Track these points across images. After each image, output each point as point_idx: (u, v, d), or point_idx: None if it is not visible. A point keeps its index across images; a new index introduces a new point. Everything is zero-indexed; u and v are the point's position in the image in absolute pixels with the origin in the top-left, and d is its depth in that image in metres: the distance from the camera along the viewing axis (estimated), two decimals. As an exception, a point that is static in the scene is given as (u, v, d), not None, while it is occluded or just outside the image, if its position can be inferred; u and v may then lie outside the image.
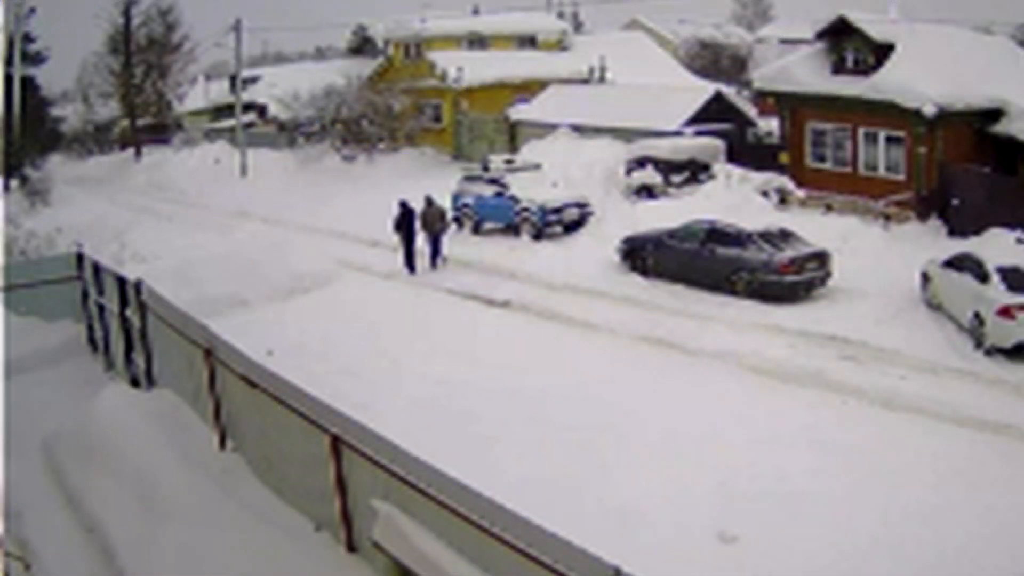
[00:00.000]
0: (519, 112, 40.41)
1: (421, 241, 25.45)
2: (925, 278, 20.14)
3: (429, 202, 25.66)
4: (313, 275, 24.17)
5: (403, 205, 25.37)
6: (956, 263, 19.04)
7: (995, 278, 17.53)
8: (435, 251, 25.57)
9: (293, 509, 12.14)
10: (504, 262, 25.64)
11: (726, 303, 21.01)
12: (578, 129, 36.01)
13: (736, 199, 27.40)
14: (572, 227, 27.95)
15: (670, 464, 13.30)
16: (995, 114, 26.29)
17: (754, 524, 11.69)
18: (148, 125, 58.55)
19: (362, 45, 58.70)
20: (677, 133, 32.62)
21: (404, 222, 25.23)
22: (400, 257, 25.40)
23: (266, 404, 12.31)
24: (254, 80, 58.30)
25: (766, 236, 21.59)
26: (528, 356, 18.49)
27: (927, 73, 26.55)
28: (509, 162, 30.44)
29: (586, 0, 62.49)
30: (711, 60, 58.82)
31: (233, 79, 50.30)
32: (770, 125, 34.55)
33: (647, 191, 30.18)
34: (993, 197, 24.11)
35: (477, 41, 46.88)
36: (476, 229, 29.15)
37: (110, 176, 51.99)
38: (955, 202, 25.02)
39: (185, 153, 51.56)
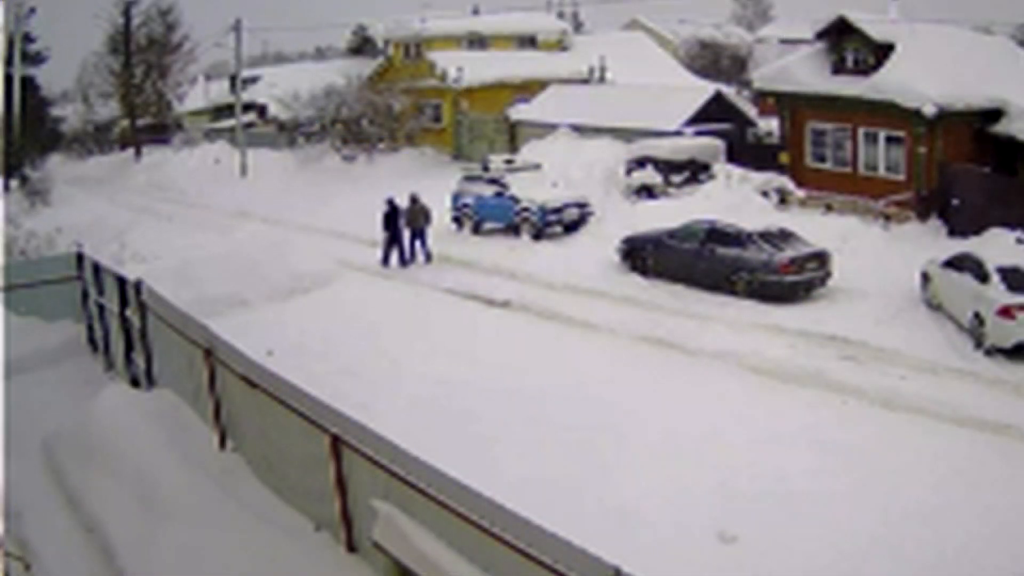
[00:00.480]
0: (519, 112, 40.42)
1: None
2: (925, 278, 20.15)
3: (414, 200, 26.38)
4: (313, 275, 24.18)
5: (390, 202, 26.13)
6: (956, 263, 19.05)
7: (995, 278, 17.54)
8: (422, 246, 26.40)
9: (293, 509, 12.13)
10: (504, 262, 25.64)
11: (726, 303, 21.01)
12: (578, 129, 36.02)
13: (736, 199, 27.42)
14: (572, 227, 27.96)
15: (670, 464, 13.30)
16: (995, 114, 26.31)
17: (754, 524, 11.70)
18: (148, 125, 58.59)
19: (362, 45, 58.72)
20: (677, 133, 32.63)
21: (391, 219, 26.05)
22: (380, 253, 26.25)
23: (266, 404, 12.31)
24: (254, 80, 58.31)
25: (766, 236, 21.60)
26: (528, 356, 18.49)
27: (927, 73, 26.56)
28: (509, 162, 30.45)
29: (586, 0, 62.52)
30: (711, 60, 58.83)
31: (233, 79, 50.31)
32: (770, 125, 34.56)
33: (647, 191, 30.20)
34: (993, 197, 24.12)
35: (477, 41, 46.90)
36: (476, 229, 29.15)
37: (110, 176, 52.01)
38: (955, 202, 25.03)
39: (185, 153, 51.58)
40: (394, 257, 26.15)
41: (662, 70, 47.10)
